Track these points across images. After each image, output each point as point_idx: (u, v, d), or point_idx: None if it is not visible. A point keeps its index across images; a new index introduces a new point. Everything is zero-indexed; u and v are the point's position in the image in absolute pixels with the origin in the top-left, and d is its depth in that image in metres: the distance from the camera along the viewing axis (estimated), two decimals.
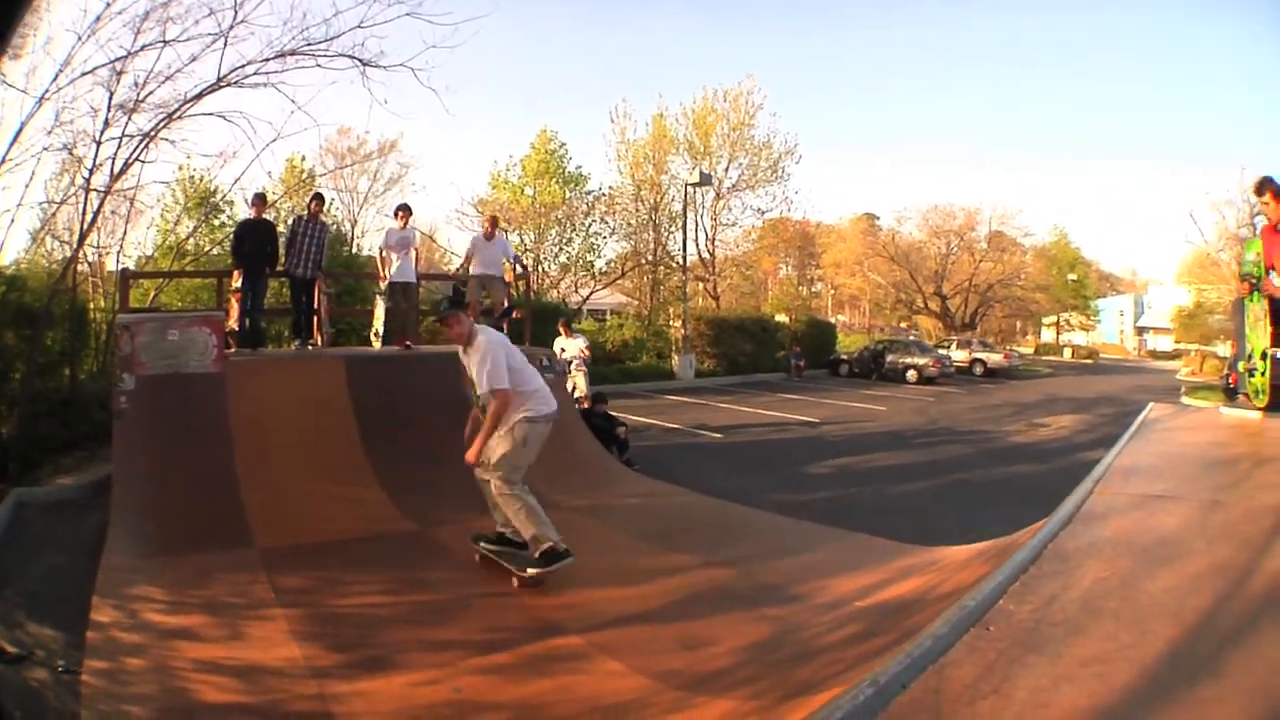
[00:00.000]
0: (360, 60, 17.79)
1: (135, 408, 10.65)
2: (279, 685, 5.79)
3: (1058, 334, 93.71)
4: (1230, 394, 31.81)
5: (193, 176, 27.54)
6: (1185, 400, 32.35)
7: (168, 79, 17.09)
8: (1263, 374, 8.67)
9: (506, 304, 16.82)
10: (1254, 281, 8.53)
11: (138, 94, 16.69)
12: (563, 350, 19.12)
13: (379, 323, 15.60)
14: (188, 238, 24.46)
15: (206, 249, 23.96)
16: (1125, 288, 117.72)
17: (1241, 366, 9.17)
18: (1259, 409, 9.05)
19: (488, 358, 8.19)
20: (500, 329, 15.82)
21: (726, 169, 49.42)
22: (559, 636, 6.84)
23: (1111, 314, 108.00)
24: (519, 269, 18.17)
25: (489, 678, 6.05)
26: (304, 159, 41.44)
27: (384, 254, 15.48)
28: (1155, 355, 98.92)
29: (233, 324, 13.97)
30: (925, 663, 4.03)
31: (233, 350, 12.98)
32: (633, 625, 7.14)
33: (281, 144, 44.38)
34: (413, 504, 10.53)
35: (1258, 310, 8.52)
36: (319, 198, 16.10)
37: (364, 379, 12.64)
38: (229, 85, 17.59)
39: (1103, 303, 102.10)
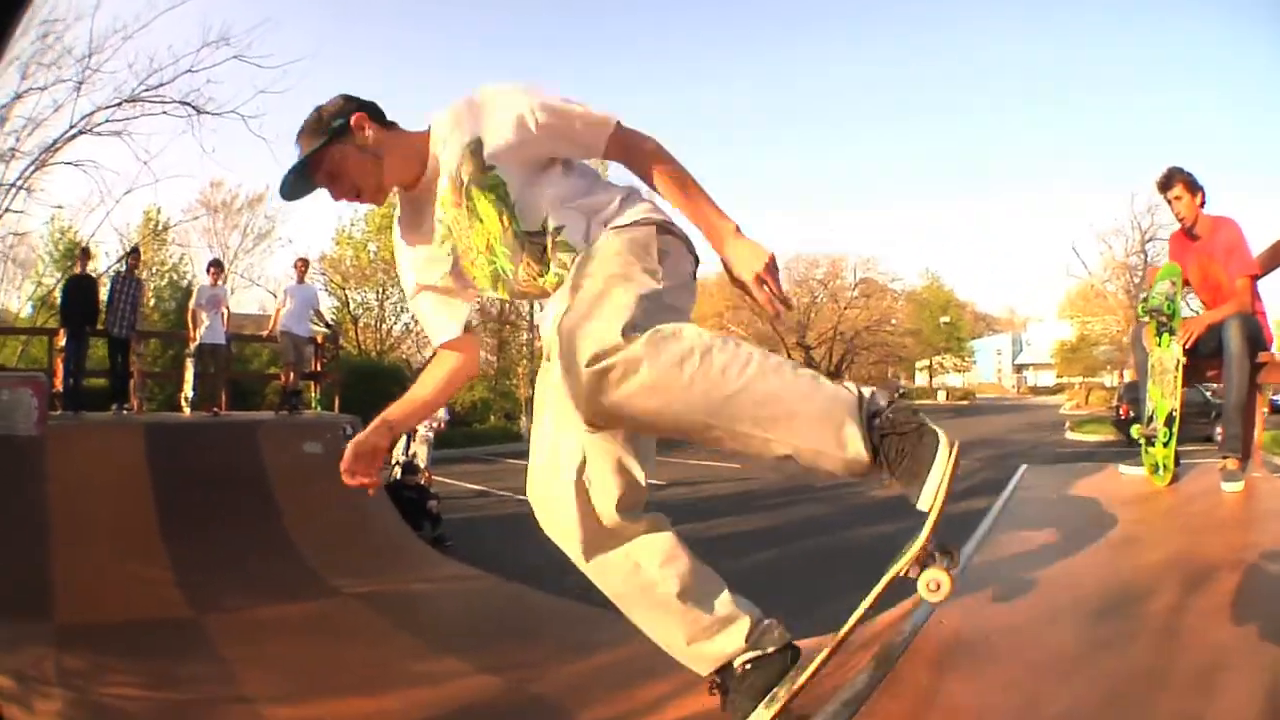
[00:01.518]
0: (193, 106, 17.70)
1: None
2: None
3: (930, 378, 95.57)
4: (1120, 425, 31.63)
5: (61, 228, 27.40)
6: (1070, 435, 31.95)
7: (37, 126, 17.15)
8: (1165, 444, 6.92)
9: (318, 367, 16.86)
10: (1165, 319, 6.92)
11: (15, 142, 16.83)
12: None
13: (188, 387, 14.96)
14: (54, 289, 24.30)
15: None
16: (1003, 326, 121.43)
17: (1136, 432, 7.34)
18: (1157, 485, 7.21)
19: None
20: (298, 401, 15.06)
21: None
22: None
23: (988, 353, 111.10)
24: (325, 327, 17.60)
25: None
26: (159, 210, 40.91)
27: (194, 313, 14.82)
28: (1036, 391, 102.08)
29: (59, 384, 13.80)
30: None
31: (58, 413, 12.77)
32: None
33: (140, 197, 44.03)
34: (196, 587, 9.68)
35: (1167, 359, 6.89)
36: (134, 252, 15.80)
37: (163, 449, 12.01)
38: (83, 133, 17.65)
39: (978, 343, 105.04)
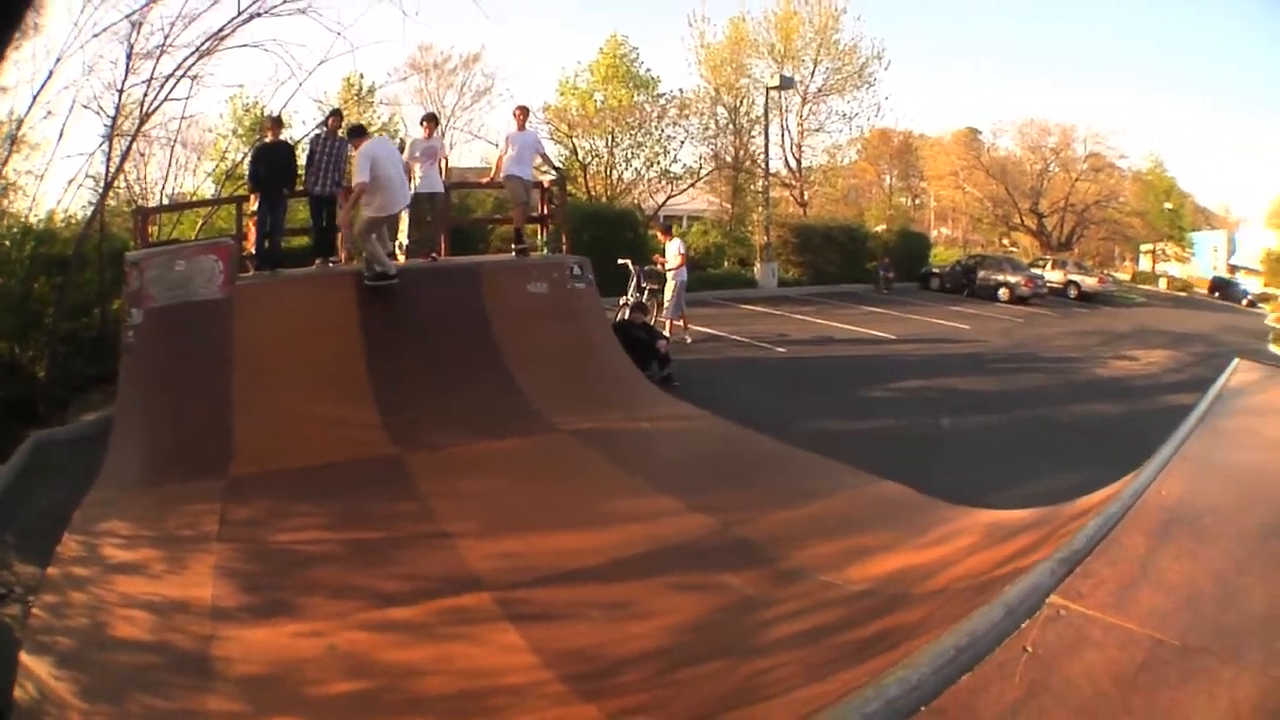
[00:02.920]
0: None
1: (141, 341, 10.85)
2: (177, 624, 5.82)
3: (1153, 263, 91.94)
4: None
5: (246, 105, 27.61)
6: (1272, 348, 30.98)
7: (191, 21, 17.28)
8: None
9: (545, 210, 16.96)
10: None
11: (164, 40, 16.96)
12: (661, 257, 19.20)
13: (403, 235, 15.16)
14: (241, 161, 24.66)
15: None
16: (1218, 223, 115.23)
17: None
18: None
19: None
20: (524, 243, 15.43)
21: (811, 73, 48.21)
22: (472, 592, 6.28)
23: (1205, 248, 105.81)
24: (553, 171, 17.94)
25: (374, 635, 5.70)
26: (361, 76, 40.66)
27: (408, 165, 14.79)
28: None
29: (251, 247, 14.07)
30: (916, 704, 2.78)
31: (250, 274, 12.95)
32: (563, 586, 6.46)
33: (338, 67, 44.44)
34: (402, 426, 10.18)
35: None
36: (336, 114, 15.83)
37: (375, 295, 12.24)
38: (258, 16, 17.62)
39: (1197, 236, 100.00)
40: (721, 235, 40.51)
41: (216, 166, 26.19)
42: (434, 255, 14.74)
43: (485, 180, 19.08)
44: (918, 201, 78.89)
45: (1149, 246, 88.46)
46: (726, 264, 38.13)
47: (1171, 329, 36.70)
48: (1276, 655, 3.20)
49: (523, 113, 16.19)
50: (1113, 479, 6.87)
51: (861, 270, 41.80)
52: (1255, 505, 4.92)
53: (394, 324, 11.73)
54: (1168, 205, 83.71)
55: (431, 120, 15.81)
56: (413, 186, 14.50)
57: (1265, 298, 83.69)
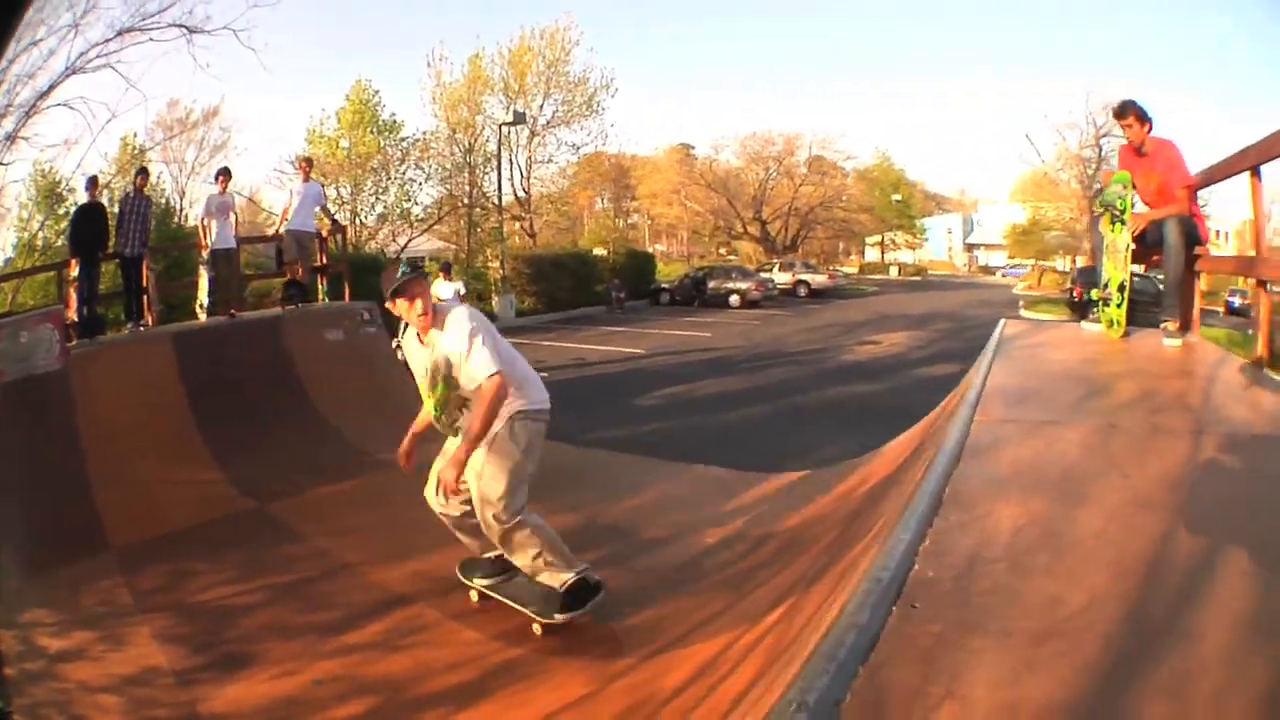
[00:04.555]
0: (187, 28, 17.47)
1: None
2: (152, 697, 5.66)
3: (883, 253, 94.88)
4: (1075, 307, 32.59)
5: (42, 170, 26.87)
6: (1025, 314, 32.81)
7: (29, 79, 16.92)
8: (1119, 305, 8.50)
9: (324, 261, 16.84)
10: (1117, 213, 8.37)
11: (7, 100, 16.58)
12: (439, 297, 18.76)
13: (203, 294, 14.95)
14: (38, 231, 23.80)
15: (56, 241, 23.37)
16: (953, 207, 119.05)
17: (1096, 294, 9.00)
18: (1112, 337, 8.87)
19: (477, 331, 5.93)
20: (306, 290, 15.49)
21: (541, 106, 49.25)
22: (409, 607, 6.75)
23: (939, 232, 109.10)
24: (331, 222, 17.90)
25: (345, 660, 5.90)
26: (135, 135, 40.10)
27: (204, 221, 14.81)
28: (987, 270, 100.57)
29: (72, 314, 13.34)
30: (853, 666, 2.95)
31: (74, 343, 12.33)
32: None
33: (119, 124, 43.26)
34: (247, 481, 10.21)
35: (1119, 242, 8.42)
36: (143, 172, 15.58)
37: (191, 354, 12.18)
38: (75, 72, 17.41)
39: (929, 221, 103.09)
40: (459, 273, 40.33)
41: (19, 238, 25.34)
42: (233, 312, 14.52)
43: (273, 233, 18.74)
44: (631, 221, 79.86)
45: (876, 238, 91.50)
46: (465, 300, 37.80)
47: (910, 312, 38.43)
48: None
49: (306, 164, 16.35)
50: (886, 440, 8.08)
51: (593, 293, 42.91)
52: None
53: (212, 383, 11.71)
54: (896, 196, 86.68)
55: (225, 174, 15.44)
56: (208, 244, 14.59)
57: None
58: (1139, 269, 9.01)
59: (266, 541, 8.57)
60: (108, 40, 17.24)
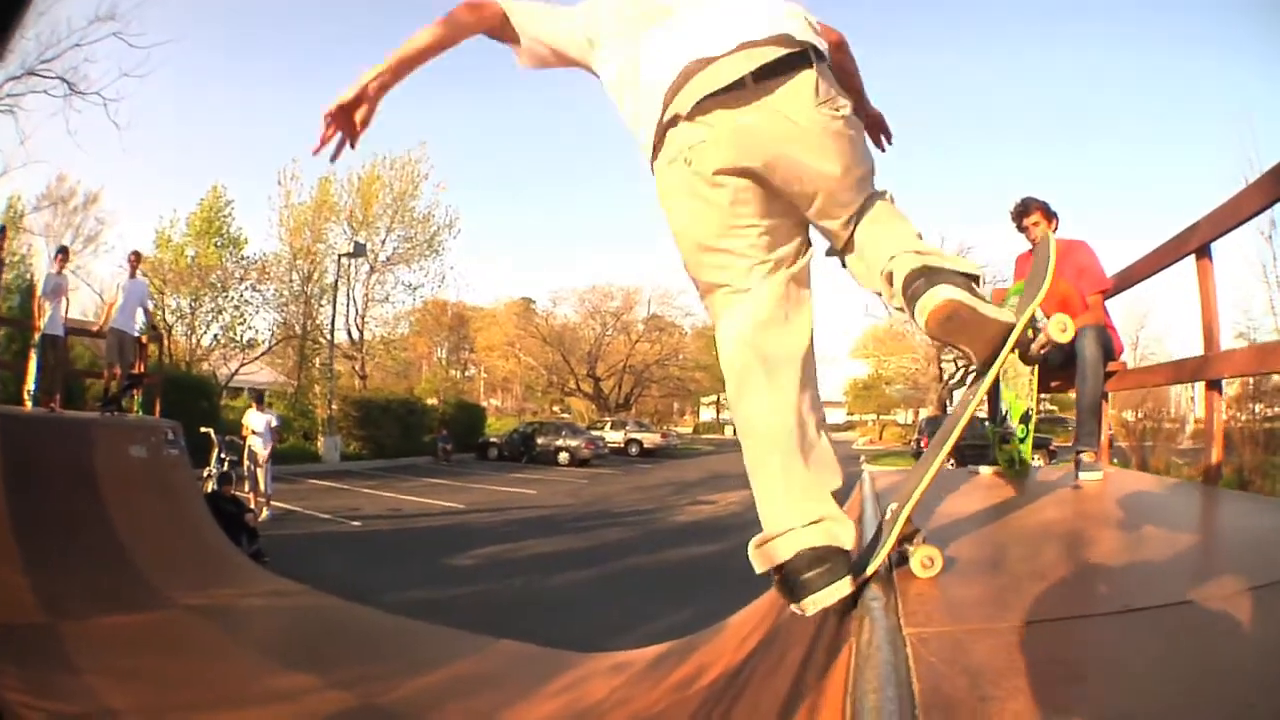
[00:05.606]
0: (69, 83, 17.30)
1: None
2: None
3: (718, 412, 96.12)
4: (919, 457, 32.63)
5: None
6: (869, 467, 32.87)
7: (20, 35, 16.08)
8: (1022, 440, 7.42)
9: (141, 368, 15.93)
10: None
11: None
12: (252, 428, 18.90)
13: (31, 380, 14.23)
14: None
15: None
16: None
17: (990, 432, 7.80)
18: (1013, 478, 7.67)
19: None
20: (121, 401, 14.47)
21: (384, 240, 49.05)
22: None
23: None
24: (150, 328, 17.00)
25: None
26: (20, 198, 38.38)
27: (40, 302, 14.14)
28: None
29: None
30: None
31: None
32: None
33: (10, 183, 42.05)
34: (48, 590, 9.05)
35: (1021, 364, 7.38)
36: None
37: (12, 440, 11.19)
38: None
39: None
40: (286, 408, 39.28)
41: None
42: (53, 405, 13.79)
43: (95, 328, 17.30)
44: (468, 373, 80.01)
45: (711, 398, 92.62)
46: (291, 438, 37.20)
47: (744, 471, 38.46)
48: None
49: (135, 258, 15.58)
50: (732, 609, 6.98)
51: (419, 443, 42.52)
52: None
53: (25, 479, 10.53)
54: None
55: (63, 254, 14.95)
56: (42, 326, 13.85)
57: (850, 425, 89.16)
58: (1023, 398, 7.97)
59: (49, 664, 7.42)
60: (12, 79, 16.53)
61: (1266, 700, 2.05)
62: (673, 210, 3.28)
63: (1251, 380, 36.96)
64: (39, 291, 14.11)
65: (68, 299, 14.94)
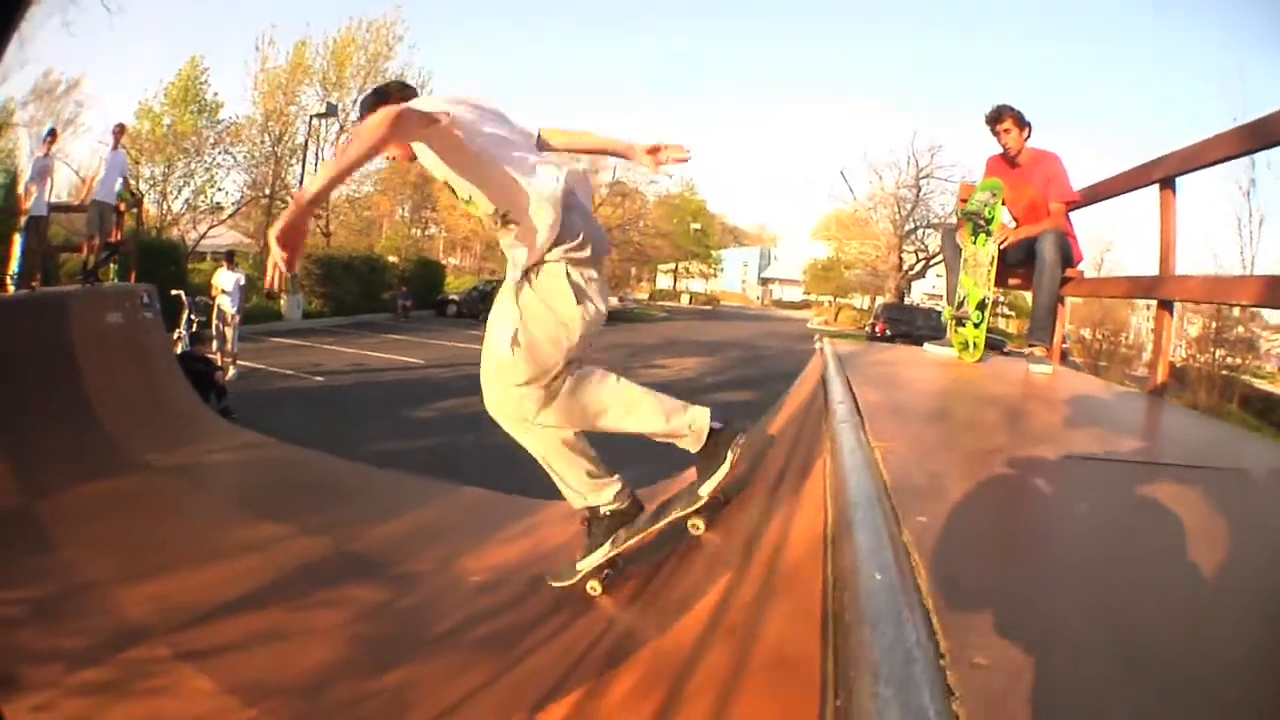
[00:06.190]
0: None
1: None
2: None
3: (675, 280, 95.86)
4: (874, 341, 33.19)
5: None
6: (820, 346, 33.28)
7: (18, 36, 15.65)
8: (976, 325, 7.72)
9: (118, 237, 15.74)
10: (982, 223, 7.77)
11: None
12: (221, 287, 19.17)
13: (14, 263, 14.28)
14: None
15: None
16: (751, 241, 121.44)
17: (948, 313, 8.16)
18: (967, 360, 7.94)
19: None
20: (100, 271, 14.48)
21: (355, 101, 47.30)
22: (144, 643, 5.71)
23: (735, 264, 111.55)
24: (129, 195, 16.89)
25: (91, 699, 5.01)
26: (13, 100, 38.17)
27: (28, 186, 14.21)
28: (781, 305, 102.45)
29: None
30: None
31: None
32: (218, 621, 6.10)
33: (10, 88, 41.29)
34: (21, 471, 9.19)
35: (982, 255, 7.71)
36: None
37: None
38: None
39: (726, 253, 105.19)
40: (250, 268, 39.13)
41: None
42: (34, 285, 13.80)
43: (78, 201, 17.19)
44: (428, 232, 79.31)
45: (669, 266, 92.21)
46: (254, 297, 37.11)
47: (700, 338, 38.65)
48: None
49: (120, 130, 15.46)
50: (680, 469, 7.35)
51: (379, 300, 42.65)
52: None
53: (4, 362, 10.69)
54: (695, 225, 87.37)
55: (51, 136, 15.00)
56: (28, 209, 13.83)
57: (807, 304, 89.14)
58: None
59: (23, 545, 7.59)
60: None
61: None
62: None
63: (1214, 325, 37.61)
64: (24, 178, 14.02)
65: (52, 180, 14.89)
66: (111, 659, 5.49)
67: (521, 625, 5.49)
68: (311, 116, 42.64)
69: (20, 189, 14.13)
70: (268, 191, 44.56)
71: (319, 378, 21.30)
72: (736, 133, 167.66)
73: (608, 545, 5.15)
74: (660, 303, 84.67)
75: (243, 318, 20.19)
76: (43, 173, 14.17)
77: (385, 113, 3.95)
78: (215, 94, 46.28)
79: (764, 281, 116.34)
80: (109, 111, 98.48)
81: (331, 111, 43.22)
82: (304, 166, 42.62)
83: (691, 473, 5.30)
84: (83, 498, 8.75)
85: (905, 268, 64.35)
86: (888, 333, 37.87)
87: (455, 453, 13.02)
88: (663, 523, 5.11)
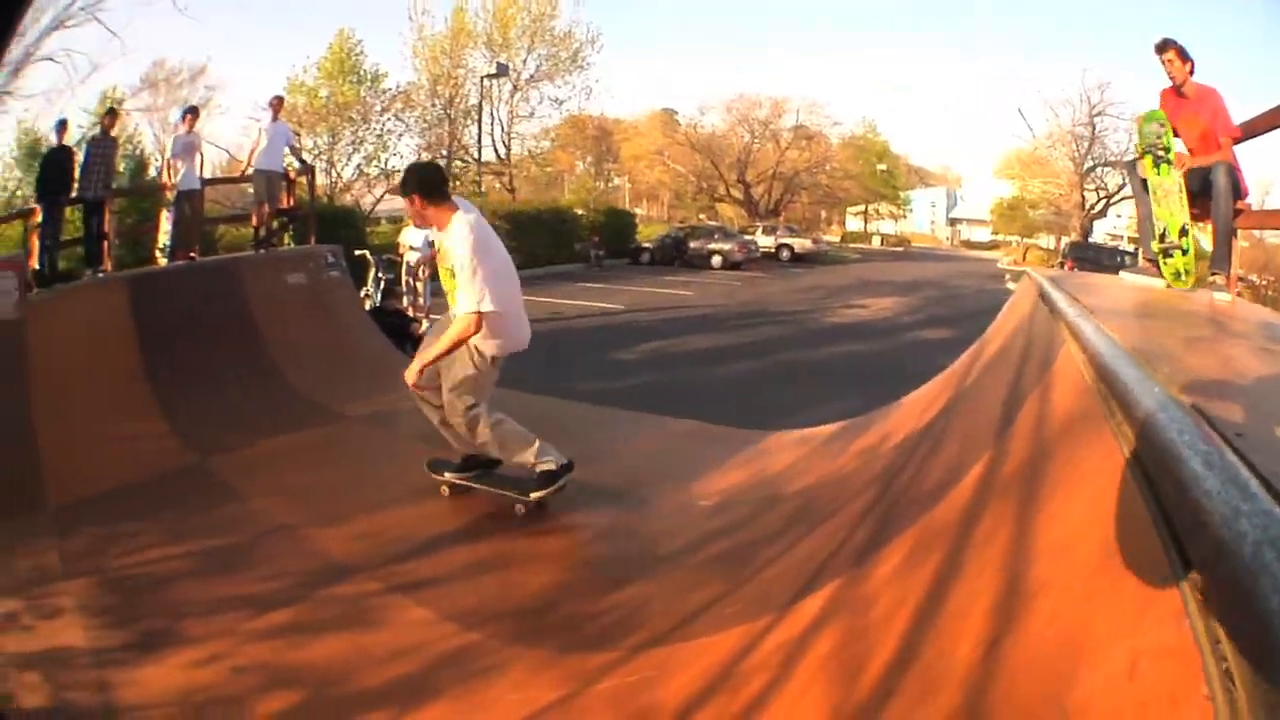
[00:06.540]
0: None
1: None
2: (64, 678, 4.80)
3: (865, 223, 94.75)
4: None
5: (25, 128, 26.30)
6: (1011, 286, 32.71)
7: (20, 37, 16.04)
8: (1184, 252, 7.53)
9: (290, 203, 15.90)
10: (1161, 153, 7.49)
11: None
12: (409, 244, 18.68)
13: (164, 237, 14.30)
14: (16, 189, 23.15)
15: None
16: (935, 181, 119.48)
17: (1155, 247, 7.90)
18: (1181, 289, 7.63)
19: (476, 258, 6.68)
20: (274, 236, 14.69)
21: (525, 60, 48.58)
22: (349, 579, 5.77)
23: (923, 205, 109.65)
24: (299, 163, 17.19)
25: (274, 643, 4.94)
26: (115, 88, 38.77)
27: (170, 161, 14.10)
28: (970, 245, 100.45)
29: (34, 263, 12.63)
30: None
31: (33, 292, 11.42)
32: (434, 556, 6.12)
33: (101, 79, 42.40)
34: (193, 432, 9.36)
35: (1169, 184, 7.48)
36: (111, 113, 14.88)
37: (146, 301, 11.25)
38: (60, 27, 16.74)
39: (914, 194, 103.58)
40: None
41: None
42: (192, 255, 13.87)
43: (240, 172, 17.76)
44: (613, 184, 79.33)
45: (859, 208, 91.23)
46: (436, 252, 37.45)
47: (894, 279, 38.16)
48: None
49: (278, 102, 15.52)
50: (889, 399, 7.54)
51: (571, 251, 42.02)
52: None
53: (165, 330, 10.80)
54: (881, 166, 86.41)
55: (192, 113, 14.83)
56: (174, 184, 13.87)
57: (995, 244, 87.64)
58: None
59: (202, 501, 7.63)
60: None
61: None
62: None
63: None
64: (168, 153, 14.14)
65: (201, 155, 15.10)
66: (308, 598, 5.52)
67: (754, 542, 5.39)
68: (482, 77, 42.37)
69: (164, 168, 14.18)
70: (444, 153, 44.39)
71: None
72: (911, 69, 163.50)
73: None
74: (853, 245, 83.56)
75: (433, 271, 20.33)
76: (188, 149, 14.22)
77: (471, 319, 6.63)
78: (376, 64, 46.54)
79: (952, 222, 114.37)
80: (244, 95, 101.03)
81: (503, 71, 43.21)
82: (479, 126, 43.04)
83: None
84: (271, 452, 8.90)
85: (1088, 205, 62.60)
86: (1076, 271, 36.83)
87: (666, 389, 12.82)
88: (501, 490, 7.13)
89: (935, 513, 3.99)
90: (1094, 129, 59.01)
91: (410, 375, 6.90)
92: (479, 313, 6.62)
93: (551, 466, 6.82)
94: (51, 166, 13.20)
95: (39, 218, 13.13)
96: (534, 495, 6.78)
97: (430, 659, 4.63)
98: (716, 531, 5.91)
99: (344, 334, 11.92)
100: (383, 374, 11.55)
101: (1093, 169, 61.73)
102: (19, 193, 23.44)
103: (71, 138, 16.56)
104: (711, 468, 7.60)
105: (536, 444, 6.94)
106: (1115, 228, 69.55)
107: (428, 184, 6.88)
